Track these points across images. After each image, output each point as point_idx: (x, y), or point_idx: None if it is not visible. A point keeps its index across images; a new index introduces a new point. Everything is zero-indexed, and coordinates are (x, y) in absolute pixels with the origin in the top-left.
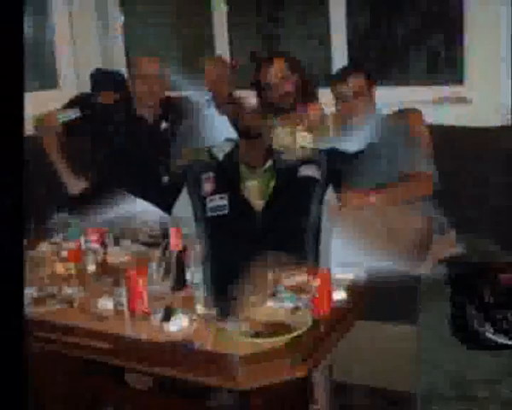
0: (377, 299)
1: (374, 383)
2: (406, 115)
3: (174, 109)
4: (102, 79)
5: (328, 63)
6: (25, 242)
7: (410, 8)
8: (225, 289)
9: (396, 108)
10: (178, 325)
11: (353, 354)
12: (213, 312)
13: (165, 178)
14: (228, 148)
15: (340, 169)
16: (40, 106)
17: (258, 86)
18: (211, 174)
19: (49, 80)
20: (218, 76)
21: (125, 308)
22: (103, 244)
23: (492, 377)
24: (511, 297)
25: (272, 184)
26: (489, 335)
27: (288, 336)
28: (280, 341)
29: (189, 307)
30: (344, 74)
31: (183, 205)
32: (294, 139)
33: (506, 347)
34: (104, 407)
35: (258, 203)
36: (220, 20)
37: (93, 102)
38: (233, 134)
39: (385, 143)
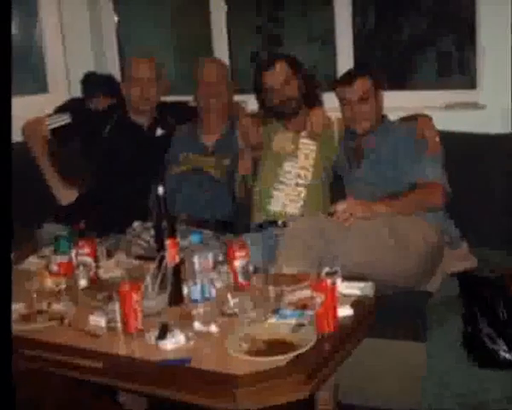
0: (385, 315)
1: (381, 403)
2: (415, 121)
3: (171, 115)
4: (94, 82)
5: (333, 65)
6: (12, 255)
7: (418, 8)
8: None
9: (404, 114)
10: (175, 343)
11: (360, 374)
12: (212, 329)
13: (161, 189)
14: None
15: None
16: (29, 111)
17: (260, 90)
18: None
19: (38, 84)
20: (216, 79)
21: (119, 326)
22: (95, 257)
23: (504, 397)
24: None
25: None
26: (502, 353)
27: (290, 355)
28: (282, 360)
29: (186, 324)
30: (349, 77)
31: None
32: (297, 146)
33: None
34: None
35: None
36: (219, 19)
37: (84, 108)
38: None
39: (392, 151)
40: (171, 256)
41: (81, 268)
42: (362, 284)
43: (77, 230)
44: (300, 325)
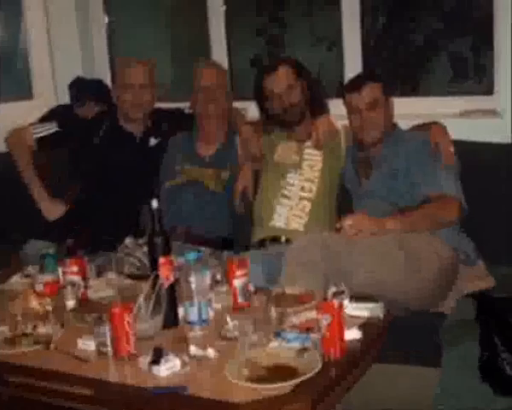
0: (396, 339)
1: None
2: (428, 130)
3: (165, 123)
4: (83, 88)
5: (340, 70)
6: None
7: (432, 7)
8: None
9: (416, 122)
10: (170, 368)
11: (369, 402)
12: (210, 353)
13: (155, 203)
14: None
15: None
16: (12, 119)
17: (261, 97)
18: None
19: (23, 90)
20: (214, 84)
21: (109, 350)
22: (84, 277)
23: None
24: None
25: None
26: None
27: (294, 382)
28: (285, 386)
29: (182, 348)
30: (357, 83)
31: None
32: (301, 157)
33: None
34: None
35: None
36: (217, 20)
37: (72, 115)
38: None
39: (403, 162)
40: (166, 275)
41: (69, 288)
42: (371, 305)
43: (64, 247)
44: (305, 350)
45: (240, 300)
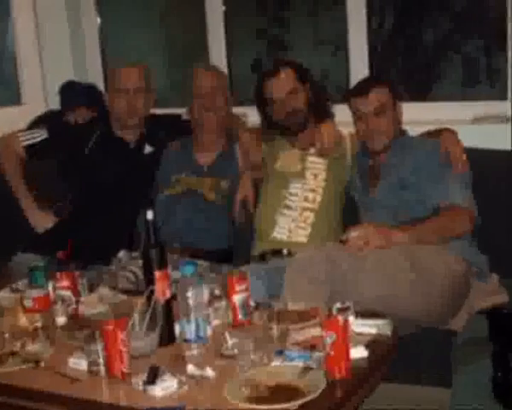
0: (404, 357)
1: None
2: (438, 137)
3: (161, 130)
4: (74, 93)
5: (346, 73)
6: None
7: (442, 8)
8: None
9: (426, 128)
10: (166, 388)
11: None
12: (208, 372)
13: (150, 214)
14: None
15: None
16: (0, 125)
17: (262, 102)
18: None
19: (11, 95)
20: (212, 89)
21: (102, 369)
22: (76, 292)
23: None
24: None
25: None
26: None
27: (297, 402)
28: (287, 407)
29: (178, 367)
30: (364, 87)
31: None
32: (304, 165)
33: None
34: None
35: None
36: (215, 20)
37: (63, 122)
38: None
39: (413, 170)
40: (162, 290)
41: (59, 304)
42: (378, 322)
43: (54, 260)
44: (308, 369)
45: (240, 316)
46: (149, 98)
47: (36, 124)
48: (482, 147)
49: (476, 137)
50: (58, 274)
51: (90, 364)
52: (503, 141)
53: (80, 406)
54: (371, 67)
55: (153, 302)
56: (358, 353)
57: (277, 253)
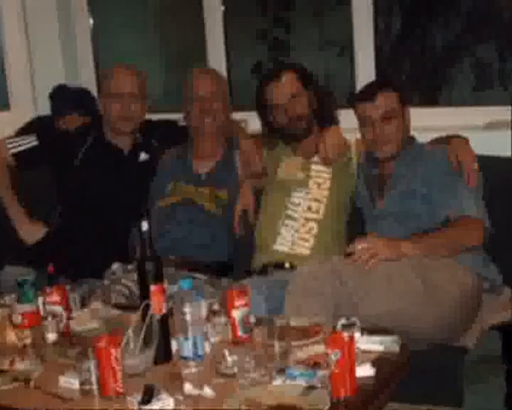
0: (413, 376)
1: None
2: (448, 144)
3: (156, 136)
4: (65, 98)
5: (351, 77)
6: None
7: (453, 9)
8: None
9: (436, 135)
10: (162, 408)
11: None
12: (206, 392)
13: (145, 225)
14: None
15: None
16: None
17: (263, 107)
18: None
19: None
20: (210, 94)
21: (95, 388)
22: (67, 307)
23: None
24: None
25: None
26: None
27: None
28: None
29: (175, 386)
30: (371, 92)
31: None
32: (308, 174)
33: None
34: None
35: None
36: (214, 21)
37: (54, 128)
38: None
39: (423, 181)
40: (158, 305)
41: (50, 319)
42: (385, 339)
43: (45, 274)
44: (311, 388)
45: (239, 333)
46: (144, 103)
47: (25, 130)
48: (495, 154)
49: (488, 144)
50: (48, 288)
51: (82, 383)
52: None
53: None
54: (378, 70)
55: (148, 318)
56: (364, 371)
57: (279, 266)
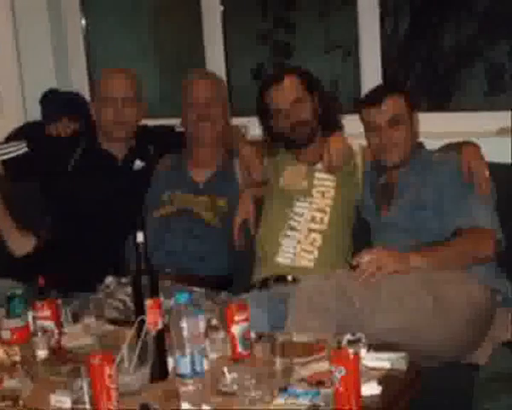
0: (422, 394)
1: None
2: (459, 151)
3: (152, 143)
4: (56, 102)
5: (357, 81)
6: None
7: (464, 9)
8: None
9: (445, 141)
10: None
11: None
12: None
13: (140, 236)
14: None
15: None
16: None
17: (264, 112)
18: None
19: None
20: (208, 98)
21: (88, 407)
22: (58, 322)
23: None
24: None
25: None
26: None
27: None
28: None
29: (172, 404)
30: (377, 96)
31: None
32: (311, 182)
33: None
34: None
35: None
36: (213, 22)
37: (44, 134)
38: None
39: (434, 190)
40: (153, 320)
41: (40, 335)
42: (392, 355)
43: (35, 287)
44: (315, 407)
45: (239, 349)
46: (139, 108)
47: (14, 137)
48: (508, 161)
49: (501, 150)
50: (38, 303)
51: (75, 401)
52: None
53: None
54: (385, 74)
55: (143, 334)
56: (370, 389)
57: (281, 279)
